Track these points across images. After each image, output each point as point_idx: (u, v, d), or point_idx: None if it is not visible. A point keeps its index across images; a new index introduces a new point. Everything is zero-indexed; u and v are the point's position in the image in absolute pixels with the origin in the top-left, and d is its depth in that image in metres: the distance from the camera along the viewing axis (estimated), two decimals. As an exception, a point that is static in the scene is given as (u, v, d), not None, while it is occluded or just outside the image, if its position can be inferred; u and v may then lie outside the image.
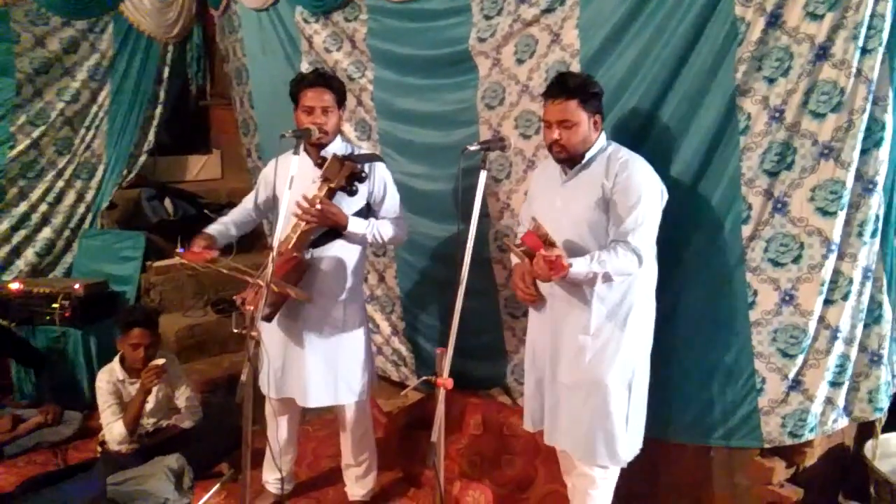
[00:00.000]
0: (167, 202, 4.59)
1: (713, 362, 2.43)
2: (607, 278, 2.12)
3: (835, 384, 2.33)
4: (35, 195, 4.20)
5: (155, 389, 3.03)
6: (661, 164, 2.28)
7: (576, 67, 2.56)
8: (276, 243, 2.25)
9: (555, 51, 2.64)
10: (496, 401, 3.08)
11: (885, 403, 2.38)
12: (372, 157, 2.68)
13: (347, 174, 2.46)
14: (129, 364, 3.05)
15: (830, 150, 2.12)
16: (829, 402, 2.34)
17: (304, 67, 3.45)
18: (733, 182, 2.29)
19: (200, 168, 5.18)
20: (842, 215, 2.16)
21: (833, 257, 2.20)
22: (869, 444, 2.54)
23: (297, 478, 3.02)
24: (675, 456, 2.64)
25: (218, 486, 2.99)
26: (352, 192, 2.50)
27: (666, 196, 2.22)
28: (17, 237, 4.18)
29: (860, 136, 2.09)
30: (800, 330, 2.27)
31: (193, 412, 3.17)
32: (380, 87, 3.28)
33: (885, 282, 2.28)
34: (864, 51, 2.04)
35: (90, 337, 3.73)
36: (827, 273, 2.20)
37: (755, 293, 2.33)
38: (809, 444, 2.45)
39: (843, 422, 2.39)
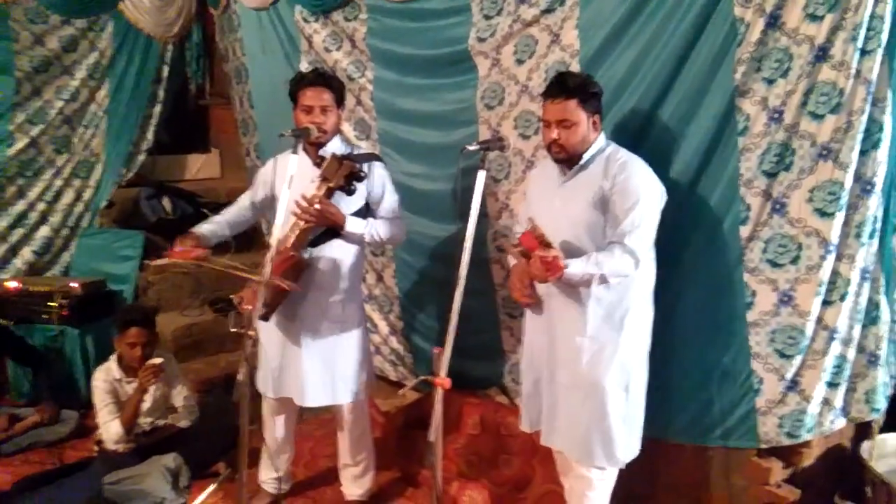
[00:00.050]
0: (166, 201, 4.59)
1: (711, 362, 2.43)
2: (603, 280, 2.12)
3: (832, 385, 2.33)
4: (33, 194, 4.19)
5: (152, 388, 3.02)
6: (659, 164, 2.28)
7: (575, 68, 2.56)
8: (274, 242, 2.25)
9: (554, 51, 2.64)
10: (494, 401, 3.09)
11: (882, 404, 2.38)
12: (371, 157, 2.68)
13: (346, 174, 2.46)
14: (127, 363, 3.05)
15: (829, 152, 2.13)
16: (827, 402, 2.34)
17: (304, 67, 3.45)
18: (732, 183, 2.29)
19: (199, 167, 5.17)
20: (840, 216, 2.16)
21: (831, 258, 2.20)
22: (866, 445, 2.54)
23: (293, 477, 3.01)
24: (673, 456, 2.64)
25: (215, 485, 2.99)
26: (350, 192, 2.50)
27: (665, 198, 2.22)
28: (14, 235, 4.17)
29: (859, 137, 2.09)
30: (797, 331, 2.27)
31: (190, 411, 3.17)
32: (379, 87, 3.28)
33: (882, 283, 2.28)
34: (864, 52, 2.04)
35: (87, 336, 3.73)
36: (825, 274, 2.21)
37: (753, 294, 2.33)
38: (806, 444, 2.46)
39: (841, 422, 2.39)
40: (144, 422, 3.08)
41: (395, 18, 3.14)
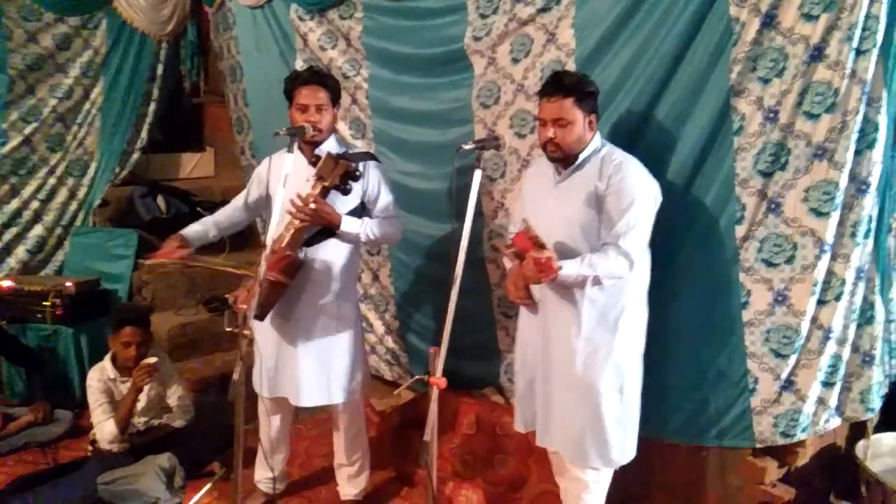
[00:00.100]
0: (160, 200, 4.57)
1: (706, 362, 2.44)
2: (597, 281, 2.11)
3: (827, 384, 2.34)
4: (27, 192, 4.17)
5: (146, 388, 3.01)
6: (655, 163, 2.28)
7: (571, 67, 2.56)
8: (269, 241, 2.24)
9: (550, 50, 2.64)
10: (489, 400, 3.08)
11: (876, 404, 2.39)
12: (366, 156, 2.67)
13: (341, 173, 2.45)
14: (121, 362, 3.04)
15: (824, 151, 2.13)
16: (821, 402, 2.35)
17: (299, 65, 3.44)
18: (727, 182, 2.30)
19: (194, 166, 5.16)
20: (835, 216, 2.16)
21: (826, 258, 2.20)
22: (860, 444, 2.55)
23: (289, 477, 3.01)
24: (668, 456, 2.64)
25: (209, 485, 2.97)
26: (346, 191, 2.50)
27: (660, 199, 2.21)
28: (8, 234, 4.15)
29: (854, 137, 2.09)
30: (792, 330, 2.27)
31: (185, 411, 3.16)
32: (375, 86, 3.27)
33: (877, 282, 2.28)
34: (859, 52, 2.04)
35: (81, 335, 3.71)
36: (820, 273, 2.21)
37: (748, 293, 2.33)
38: (801, 444, 2.47)
39: (835, 422, 2.40)
40: (139, 421, 3.07)
41: (391, 17, 3.13)
